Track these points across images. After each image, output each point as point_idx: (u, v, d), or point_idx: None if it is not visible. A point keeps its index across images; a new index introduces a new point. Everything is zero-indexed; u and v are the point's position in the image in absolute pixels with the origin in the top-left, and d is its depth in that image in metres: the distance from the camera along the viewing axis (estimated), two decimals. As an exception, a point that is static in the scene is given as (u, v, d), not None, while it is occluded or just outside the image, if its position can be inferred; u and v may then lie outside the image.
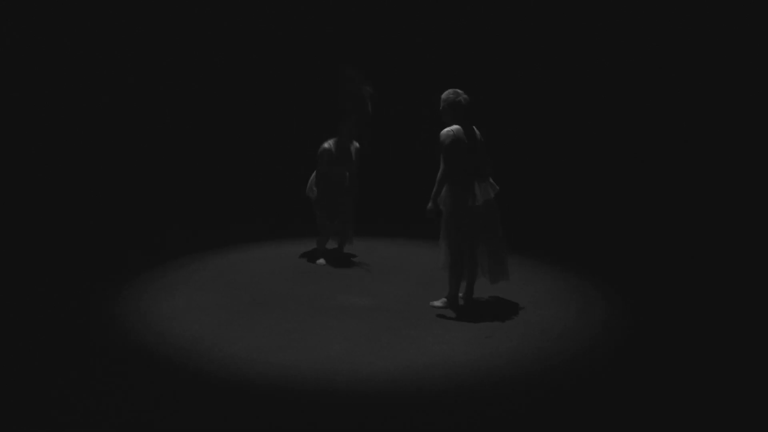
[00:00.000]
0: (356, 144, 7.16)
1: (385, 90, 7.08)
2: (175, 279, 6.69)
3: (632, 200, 9.10)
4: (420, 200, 6.00)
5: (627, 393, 4.70)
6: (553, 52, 9.62)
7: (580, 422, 4.39)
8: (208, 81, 9.96)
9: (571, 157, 9.60)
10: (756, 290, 6.48)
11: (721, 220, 8.38)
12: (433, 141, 5.97)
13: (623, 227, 8.43)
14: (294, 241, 7.86)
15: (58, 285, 6.50)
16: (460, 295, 6.08)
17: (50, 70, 9.50)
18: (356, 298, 6.31)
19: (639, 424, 4.35)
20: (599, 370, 5.04)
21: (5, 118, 9.28)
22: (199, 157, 9.92)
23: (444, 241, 5.97)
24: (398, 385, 4.77)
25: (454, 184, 5.84)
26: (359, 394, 4.66)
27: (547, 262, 7.30)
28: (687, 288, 6.59)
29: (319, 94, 7.09)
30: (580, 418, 4.43)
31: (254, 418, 4.36)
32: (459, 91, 5.88)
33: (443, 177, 5.85)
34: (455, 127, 5.83)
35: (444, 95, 5.90)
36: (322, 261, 7.24)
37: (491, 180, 5.96)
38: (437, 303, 6.10)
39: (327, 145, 7.04)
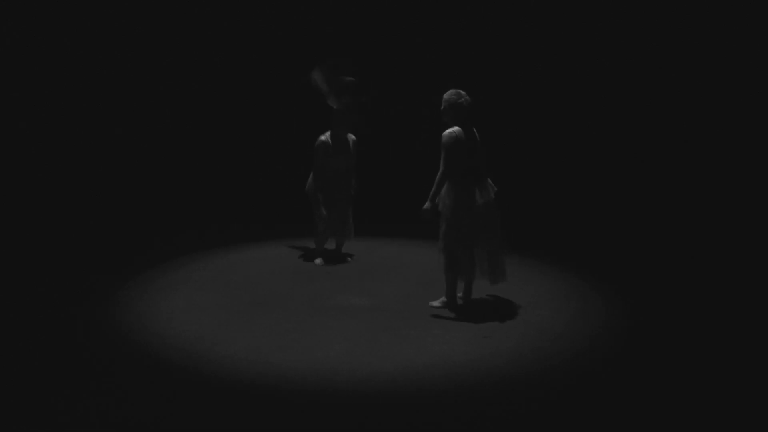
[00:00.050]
0: (353, 136, 7.16)
1: (385, 90, 7.08)
2: (175, 279, 6.69)
3: (632, 200, 9.10)
4: (420, 200, 5.99)
5: (627, 393, 4.70)
6: (553, 52, 9.62)
7: (580, 422, 4.39)
8: (208, 81, 9.97)
9: (570, 157, 9.60)
10: (756, 290, 6.48)
11: (721, 220, 8.38)
12: (433, 141, 5.96)
13: (623, 227, 8.43)
14: (294, 241, 7.86)
15: (58, 285, 6.50)
16: (459, 295, 6.08)
17: (50, 70, 9.50)
18: (356, 298, 6.31)
19: (639, 424, 4.35)
20: (599, 370, 5.04)
21: (5, 118, 9.28)
22: (198, 157, 9.93)
23: (442, 242, 5.98)
24: (398, 385, 4.77)
25: (455, 185, 5.85)
26: (359, 394, 4.65)
27: (547, 262, 7.30)
28: (687, 288, 6.59)
29: (318, 94, 7.07)
30: (579, 418, 4.42)
31: (254, 418, 4.35)
32: (461, 92, 5.87)
33: (442, 177, 5.86)
34: (457, 128, 5.83)
35: (446, 96, 5.89)
36: (319, 261, 7.24)
37: (489, 180, 5.96)
38: (436, 303, 6.09)
39: (323, 137, 7.06)
